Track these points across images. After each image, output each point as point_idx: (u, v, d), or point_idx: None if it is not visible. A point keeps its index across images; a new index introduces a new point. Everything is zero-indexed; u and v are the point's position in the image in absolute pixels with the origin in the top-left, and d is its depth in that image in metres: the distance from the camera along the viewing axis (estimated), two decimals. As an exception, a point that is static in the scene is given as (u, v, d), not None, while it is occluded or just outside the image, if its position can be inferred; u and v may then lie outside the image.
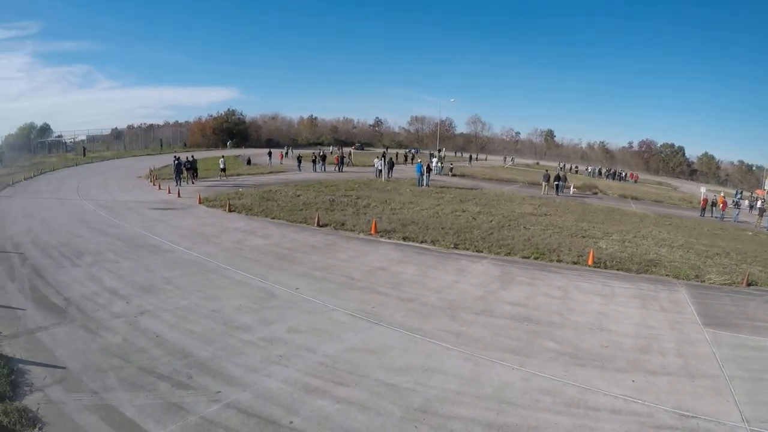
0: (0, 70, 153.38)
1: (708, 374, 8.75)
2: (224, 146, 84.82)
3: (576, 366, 8.72)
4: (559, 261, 15.89)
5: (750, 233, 28.29)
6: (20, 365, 8.02)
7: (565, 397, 7.66)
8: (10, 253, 14.90)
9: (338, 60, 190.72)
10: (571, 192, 42.17)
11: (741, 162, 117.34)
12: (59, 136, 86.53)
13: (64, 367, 7.99)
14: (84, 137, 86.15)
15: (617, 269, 15.44)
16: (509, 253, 16.48)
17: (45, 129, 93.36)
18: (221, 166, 40.15)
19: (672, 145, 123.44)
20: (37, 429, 6.38)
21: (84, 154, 67.48)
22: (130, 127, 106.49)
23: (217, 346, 9.01)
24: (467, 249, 16.71)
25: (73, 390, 7.34)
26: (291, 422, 6.66)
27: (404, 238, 17.99)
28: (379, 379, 7.88)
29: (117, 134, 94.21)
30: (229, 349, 8.86)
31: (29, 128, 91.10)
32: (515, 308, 11.37)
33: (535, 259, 16.03)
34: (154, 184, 34.26)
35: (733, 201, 45.48)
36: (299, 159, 50.19)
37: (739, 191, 62.21)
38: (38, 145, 76.23)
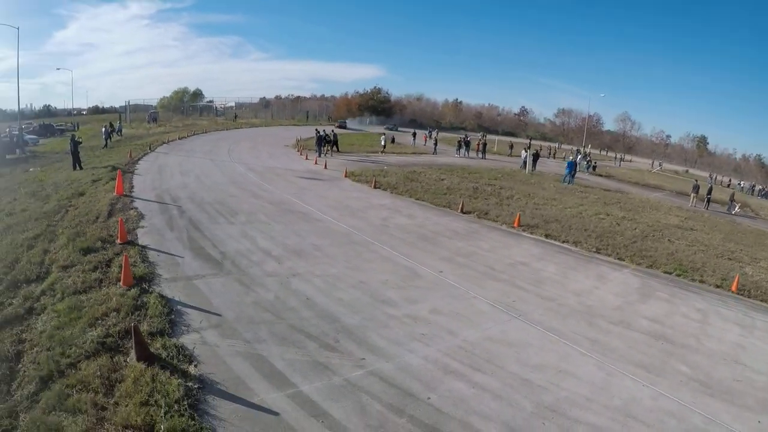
0: (157, 38, 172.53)
1: None
2: (366, 124, 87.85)
3: (705, 395, 8.38)
4: (701, 281, 14.94)
5: None
6: (179, 307, 9.27)
7: (690, 425, 7.45)
8: (169, 205, 16.98)
9: (486, 45, 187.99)
10: (736, 211, 38.24)
11: None
12: (210, 101, 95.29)
13: (219, 314, 9.11)
14: (233, 104, 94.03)
15: (761, 300, 14.20)
16: (651, 266, 15.83)
17: (197, 94, 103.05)
18: (382, 143, 44.23)
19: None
20: (193, 366, 7.38)
21: (234, 120, 73.43)
22: (278, 98, 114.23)
23: (363, 315, 9.76)
24: (609, 255, 16.27)
25: (227, 336, 8.37)
26: (429, 398, 7.17)
27: (546, 236, 17.93)
28: (514, 372, 8.22)
29: (265, 103, 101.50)
30: (375, 321, 9.59)
31: (183, 92, 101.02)
32: (652, 324, 11.02)
33: (677, 275, 15.20)
34: (301, 154, 36.65)
35: None
36: (435, 142, 51.66)
37: None
38: (190, 108, 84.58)
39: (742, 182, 79.20)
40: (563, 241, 17.39)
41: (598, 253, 16.41)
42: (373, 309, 10.12)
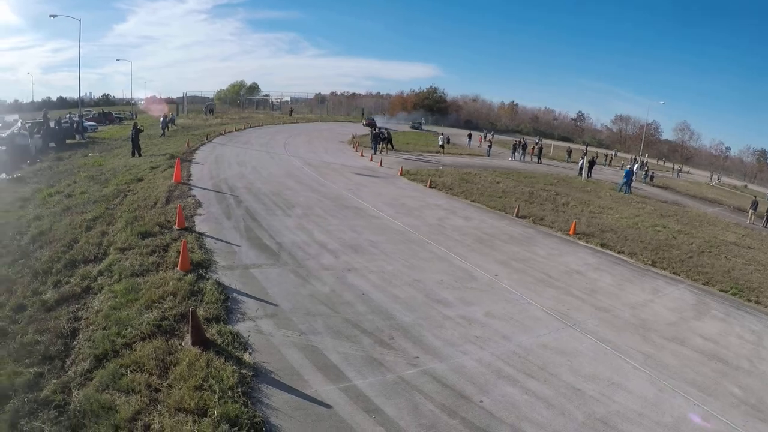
0: (214, 33, 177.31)
1: None
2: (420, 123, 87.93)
3: (756, 419, 8.04)
4: (757, 302, 14.27)
5: None
6: (235, 294, 9.36)
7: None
8: (226, 194, 17.29)
9: (543, 47, 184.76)
10: None
11: None
12: (266, 95, 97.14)
13: (275, 304, 9.18)
14: (289, 99, 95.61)
15: None
16: (707, 283, 15.27)
17: (253, 88, 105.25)
18: (440, 143, 44.53)
19: None
20: (248, 353, 7.41)
21: (290, 114, 74.51)
22: (333, 94, 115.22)
23: (418, 314, 9.69)
24: (664, 269, 15.79)
25: (282, 326, 8.42)
26: (481, 401, 7.11)
27: (602, 245, 17.55)
28: (566, 380, 8.12)
29: (320, 99, 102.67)
30: (430, 320, 9.52)
31: (239, 86, 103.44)
32: (706, 342, 10.65)
33: (733, 295, 14.58)
34: (356, 151, 36.87)
35: None
36: (490, 144, 51.37)
37: None
38: (246, 102, 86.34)
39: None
40: (619, 252, 17.04)
41: (654, 266, 16.01)
42: (428, 308, 10.06)
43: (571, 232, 18.56)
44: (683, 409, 7.95)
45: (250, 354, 7.41)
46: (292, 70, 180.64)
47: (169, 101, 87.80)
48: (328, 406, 6.51)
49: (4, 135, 30.25)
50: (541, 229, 19.07)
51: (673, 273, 15.56)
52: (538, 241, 16.98)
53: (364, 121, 67.86)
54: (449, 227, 16.93)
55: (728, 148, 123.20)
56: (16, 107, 65.84)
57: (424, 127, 78.44)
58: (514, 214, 20.43)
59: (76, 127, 40.23)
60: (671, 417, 7.62)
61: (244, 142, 33.84)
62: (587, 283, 13.22)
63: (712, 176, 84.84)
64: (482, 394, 7.32)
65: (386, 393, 7.00)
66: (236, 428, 5.74)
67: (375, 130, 37.09)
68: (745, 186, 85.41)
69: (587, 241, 17.88)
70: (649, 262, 16.18)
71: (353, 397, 6.78)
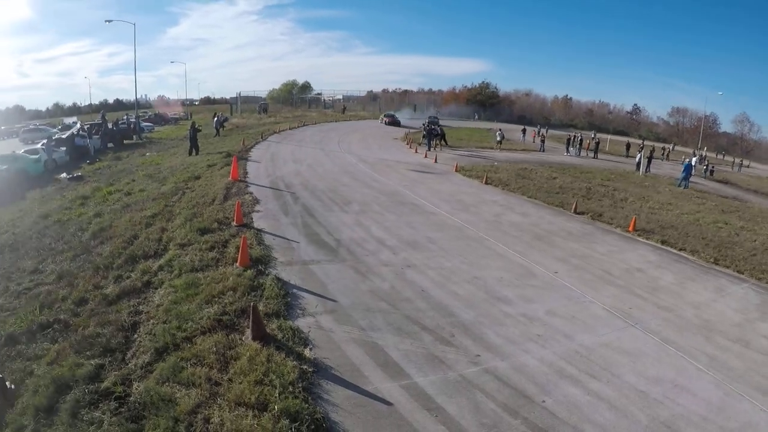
0: (265, 33, 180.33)
1: None
2: (473, 119, 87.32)
3: None
4: None
5: None
6: (294, 290, 9.39)
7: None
8: (283, 191, 17.47)
9: (597, 39, 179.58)
10: None
11: None
12: (319, 94, 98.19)
13: (335, 300, 9.16)
14: (341, 96, 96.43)
15: None
16: None
17: (306, 86, 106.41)
18: (498, 138, 44.52)
19: None
20: (308, 349, 7.40)
21: (343, 112, 75.06)
22: (385, 91, 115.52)
23: (478, 311, 9.53)
24: (727, 267, 15.04)
25: (342, 322, 8.38)
26: (543, 401, 6.92)
27: (662, 242, 16.91)
28: (629, 382, 7.86)
29: (372, 96, 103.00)
30: (490, 317, 9.35)
31: (292, 85, 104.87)
32: None
33: None
34: (410, 147, 36.79)
35: None
36: (543, 139, 50.38)
37: None
38: (299, 100, 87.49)
39: None
40: (680, 249, 16.40)
41: (716, 264, 15.34)
42: (489, 306, 9.90)
43: (630, 228, 18.06)
44: (749, 414, 7.63)
45: (310, 350, 7.40)
46: (342, 68, 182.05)
47: (223, 102, 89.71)
48: (388, 404, 6.42)
49: (63, 136, 31.46)
50: (599, 225, 18.57)
51: (737, 271, 14.89)
52: (598, 238, 16.58)
53: (385, 119, 62.73)
54: (506, 223, 16.65)
55: None
56: (75, 110, 68.58)
57: (472, 121, 76.71)
58: (572, 211, 19.96)
59: (133, 127, 41.57)
60: (737, 422, 7.32)
61: (298, 140, 34.19)
62: (648, 281, 12.84)
63: None
64: (544, 395, 7.14)
65: (447, 391, 6.87)
66: (296, 424, 5.69)
67: (429, 127, 36.91)
68: None
69: (647, 238, 17.35)
70: (712, 260, 15.57)
71: (414, 395, 6.68)
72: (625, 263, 13.99)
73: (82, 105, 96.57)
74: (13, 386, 4.20)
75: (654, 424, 6.84)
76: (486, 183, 24.28)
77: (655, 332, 9.77)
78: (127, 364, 7.12)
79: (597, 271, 12.92)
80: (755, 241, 19.44)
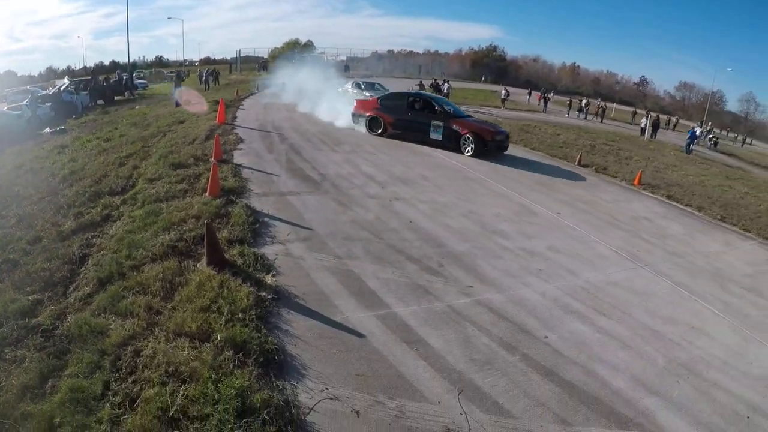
0: None
1: None
2: (480, 81, 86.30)
3: None
4: None
5: None
6: (266, 219, 8.30)
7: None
8: (271, 132, 16.37)
9: (607, 9, 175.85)
10: None
11: None
12: (322, 53, 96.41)
13: (310, 229, 8.10)
14: (344, 57, 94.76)
15: None
16: None
17: (309, 46, 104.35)
18: (502, 96, 44.98)
19: None
20: (270, 275, 6.34)
21: (345, 70, 73.73)
22: (390, 52, 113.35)
23: (472, 244, 8.66)
24: (734, 225, 14.83)
25: (315, 250, 7.33)
26: (546, 337, 6.22)
27: (668, 197, 16.55)
28: (642, 321, 7.28)
29: (377, 57, 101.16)
30: (485, 250, 8.51)
31: (294, 44, 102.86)
32: None
33: None
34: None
35: None
36: (546, 99, 49.58)
37: None
38: (300, 59, 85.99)
39: None
40: (686, 205, 15.99)
41: (723, 221, 14.97)
42: (484, 238, 9.05)
43: (636, 182, 17.56)
44: None
45: (273, 276, 6.35)
46: (349, 29, 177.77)
47: (223, 62, 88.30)
48: (360, 335, 5.44)
49: (50, 93, 30.29)
50: (604, 178, 17.96)
51: (743, 229, 14.58)
52: (603, 188, 16.02)
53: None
54: (506, 169, 15.74)
55: None
56: (68, 73, 67.47)
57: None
58: (576, 163, 19.25)
59: (125, 83, 40.18)
60: (759, 368, 6.72)
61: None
62: (656, 229, 12.33)
63: None
64: (547, 330, 6.32)
65: (432, 323, 5.91)
66: (240, 354, 4.65)
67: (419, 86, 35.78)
68: None
69: (653, 192, 16.87)
70: (718, 217, 15.21)
71: (392, 326, 5.69)
72: (631, 211, 13.64)
73: (77, 68, 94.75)
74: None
75: (672, 366, 6.24)
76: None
77: (666, 275, 9.28)
78: (67, 298, 6.16)
79: (602, 216, 12.41)
80: (760, 206, 19.62)
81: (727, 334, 7.46)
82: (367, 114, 17.96)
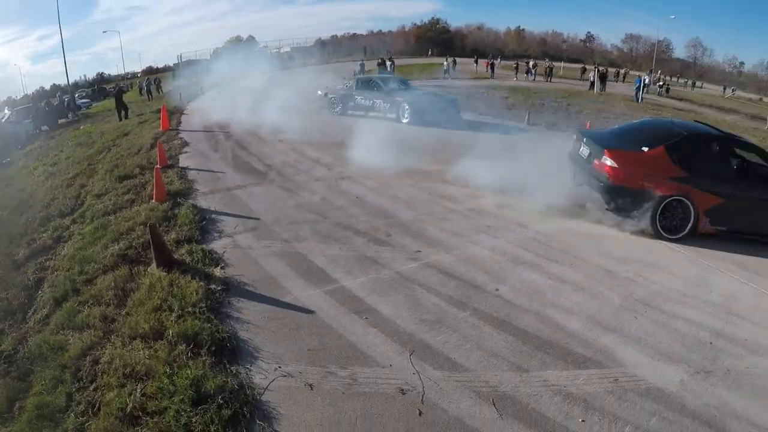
0: None
1: None
2: (426, 55, 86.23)
3: None
4: None
5: None
6: (213, 215, 8.37)
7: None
8: (216, 132, 16.37)
9: None
10: None
11: None
12: (264, 47, 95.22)
13: (257, 218, 8.19)
14: (288, 48, 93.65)
15: None
16: None
17: (250, 41, 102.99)
18: (445, 67, 45.99)
19: None
20: (219, 268, 6.43)
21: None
22: (334, 37, 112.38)
23: (420, 211, 8.78)
24: None
25: (263, 238, 7.42)
26: (497, 289, 6.28)
27: None
28: (596, 263, 7.36)
29: (321, 44, 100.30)
30: (434, 215, 8.64)
31: (236, 40, 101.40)
32: None
33: None
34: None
35: None
36: (492, 66, 51.61)
37: None
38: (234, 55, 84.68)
39: None
40: None
41: None
42: (432, 205, 9.20)
43: None
44: (731, 288, 7.13)
45: (222, 269, 6.43)
46: (289, 19, 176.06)
47: (167, 69, 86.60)
48: (309, 312, 5.55)
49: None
50: (554, 133, 17.86)
51: None
52: (551, 141, 15.79)
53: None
54: (455, 138, 15.74)
55: (742, 63, 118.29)
56: (9, 103, 65.66)
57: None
58: (525, 122, 19.52)
59: (67, 105, 39.32)
60: (719, 296, 6.82)
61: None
62: None
63: (725, 89, 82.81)
64: (498, 283, 6.41)
65: (381, 291, 6.03)
66: (193, 346, 4.75)
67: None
68: (760, 99, 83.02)
69: None
70: None
71: (340, 299, 5.82)
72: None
73: (18, 97, 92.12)
74: None
75: (629, 303, 6.37)
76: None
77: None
78: (27, 323, 6.26)
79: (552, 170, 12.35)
80: None
81: (685, 266, 7.60)
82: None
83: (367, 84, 20.08)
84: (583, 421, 4.32)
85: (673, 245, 8.04)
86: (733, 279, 7.36)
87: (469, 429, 4.11)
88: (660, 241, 8.22)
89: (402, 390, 4.45)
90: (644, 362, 5.19)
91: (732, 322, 6.12)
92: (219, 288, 5.88)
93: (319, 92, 21.35)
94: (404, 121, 17.63)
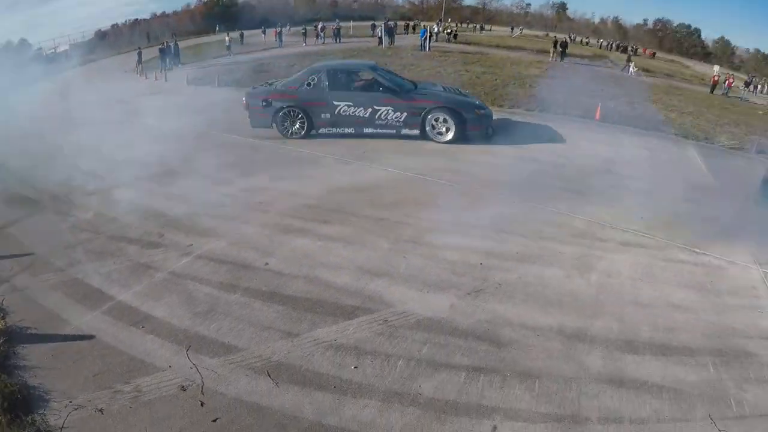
0: None
1: None
2: (214, 32, 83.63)
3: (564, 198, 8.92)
4: (564, 114, 16.42)
5: (761, 112, 27.70)
6: (-20, 270, 7.92)
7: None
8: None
9: None
10: (631, 72, 39.49)
11: (757, 50, 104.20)
12: (39, 49, 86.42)
13: (31, 253, 7.86)
14: (67, 46, 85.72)
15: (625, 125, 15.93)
16: (513, 107, 17.36)
17: (22, 43, 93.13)
18: (227, 44, 45.42)
19: (688, 26, 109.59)
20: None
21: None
22: (114, 26, 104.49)
23: (192, 202, 8.97)
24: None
25: (39, 273, 7.26)
26: (266, 263, 6.84)
27: None
28: (366, 215, 8.11)
29: (101, 36, 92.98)
30: (206, 204, 8.93)
31: (5, 46, 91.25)
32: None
33: (541, 111, 16.78)
34: (140, 75, 33.96)
35: (745, 82, 43.03)
36: (280, 34, 52.18)
37: (752, 77, 58.21)
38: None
39: (601, 41, 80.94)
40: None
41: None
42: (206, 193, 9.44)
43: None
44: (495, 208, 8.16)
45: (2, 319, 6.26)
46: (64, 13, 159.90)
47: None
48: (90, 337, 5.71)
49: None
50: None
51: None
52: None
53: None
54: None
55: (528, 4, 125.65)
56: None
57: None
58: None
59: None
60: (461, 225, 7.76)
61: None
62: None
63: (513, 29, 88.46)
64: (267, 256, 7.02)
65: (155, 295, 6.34)
66: (-16, 413, 4.79)
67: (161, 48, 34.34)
68: (546, 35, 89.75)
69: None
70: None
71: (117, 315, 6.03)
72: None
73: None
74: None
75: (398, 245, 7.18)
76: (220, 86, 23.94)
77: (392, 166, 10.35)
78: None
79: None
80: (496, 80, 22.57)
81: (456, 198, 8.48)
82: None
83: (351, 80, 13.48)
84: (355, 367, 4.99)
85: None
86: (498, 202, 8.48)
87: (248, 405, 4.61)
88: (433, 179, 9.20)
89: (183, 387, 4.83)
90: (414, 297, 5.93)
91: (504, 241, 7.04)
92: (1, 341, 5.78)
93: (244, 100, 13.97)
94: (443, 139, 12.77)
